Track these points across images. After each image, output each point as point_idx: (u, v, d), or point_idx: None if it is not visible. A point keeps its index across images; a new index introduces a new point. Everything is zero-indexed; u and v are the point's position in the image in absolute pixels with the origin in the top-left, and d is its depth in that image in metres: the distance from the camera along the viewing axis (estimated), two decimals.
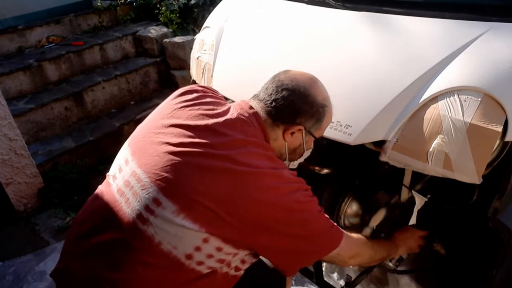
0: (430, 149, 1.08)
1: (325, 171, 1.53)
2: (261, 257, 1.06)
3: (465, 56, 1.16)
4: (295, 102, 1.02)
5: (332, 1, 1.53)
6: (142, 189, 0.92)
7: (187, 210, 0.88)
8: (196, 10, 3.91)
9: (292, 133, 1.04)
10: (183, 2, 3.89)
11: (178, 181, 0.90)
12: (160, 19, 3.94)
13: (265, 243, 0.95)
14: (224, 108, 1.04)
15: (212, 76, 1.71)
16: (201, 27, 1.97)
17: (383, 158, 1.18)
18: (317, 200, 1.00)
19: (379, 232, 1.44)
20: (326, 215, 1.03)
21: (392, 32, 1.36)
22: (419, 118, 1.13)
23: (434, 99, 1.12)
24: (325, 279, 1.53)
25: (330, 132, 1.22)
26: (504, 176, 1.16)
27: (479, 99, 1.05)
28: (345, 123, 1.23)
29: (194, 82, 1.88)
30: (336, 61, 1.38)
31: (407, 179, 1.32)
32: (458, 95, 1.09)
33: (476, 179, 1.05)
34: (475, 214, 1.32)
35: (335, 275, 1.69)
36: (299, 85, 1.03)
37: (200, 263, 0.91)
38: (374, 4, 1.46)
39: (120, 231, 0.91)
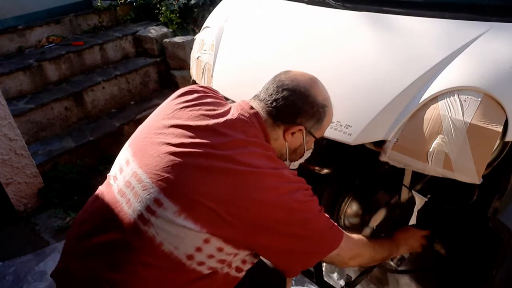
0: (430, 149, 1.08)
1: (325, 171, 1.53)
2: (261, 257, 1.06)
3: (465, 56, 1.16)
4: (296, 102, 1.02)
5: (332, 1, 1.53)
6: (143, 190, 0.92)
7: (188, 211, 0.88)
8: (196, 10, 3.91)
9: (293, 133, 1.04)
10: (183, 2, 3.89)
11: (179, 182, 0.90)
12: (160, 19, 3.94)
13: (265, 243, 0.95)
14: (225, 108, 1.04)
15: (212, 76, 1.71)
16: (201, 27, 1.97)
17: (383, 158, 1.18)
18: (317, 200, 1.00)
19: (379, 232, 1.44)
20: (327, 215, 1.03)
21: (392, 32, 1.36)
22: (419, 118, 1.13)
23: (434, 99, 1.12)
24: (325, 279, 1.53)
25: (330, 132, 1.22)
26: (504, 176, 1.16)
27: (479, 99, 1.05)
28: (345, 123, 1.23)
29: (194, 82, 1.88)
30: (336, 61, 1.38)
31: (407, 179, 1.32)
32: (458, 95, 1.09)
33: (476, 179, 1.05)
34: (475, 214, 1.32)
35: (335, 275, 1.69)
36: (300, 85, 1.03)
37: (201, 263, 0.91)
38: (374, 4, 1.46)
39: (121, 232, 0.91)
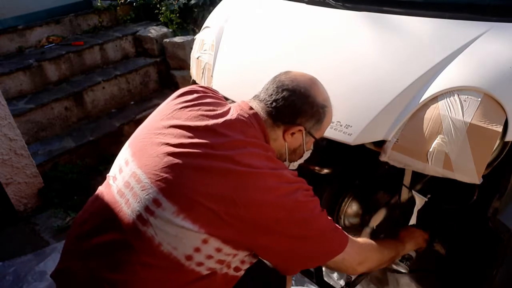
0: (430, 149, 1.08)
1: (325, 171, 1.53)
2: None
3: (465, 56, 1.16)
4: (296, 103, 1.02)
5: (332, 1, 1.53)
6: (142, 190, 0.92)
7: (187, 211, 0.88)
8: (196, 10, 3.91)
9: (292, 134, 1.04)
10: (183, 2, 3.89)
11: (178, 182, 0.90)
12: (160, 19, 3.94)
13: (265, 244, 0.95)
14: (224, 108, 1.04)
15: (212, 76, 1.72)
16: (201, 27, 1.97)
17: (383, 158, 1.18)
18: (318, 200, 0.99)
19: (379, 232, 1.44)
20: (330, 218, 1.01)
21: (392, 32, 1.36)
22: (419, 118, 1.13)
23: (434, 99, 1.12)
24: (325, 279, 1.53)
25: (330, 132, 1.21)
26: (504, 176, 1.16)
27: (479, 99, 1.05)
28: (345, 123, 1.23)
29: (194, 82, 1.88)
30: (336, 61, 1.38)
31: (407, 179, 1.32)
32: (458, 95, 1.09)
33: (476, 179, 1.05)
34: (475, 214, 1.32)
35: (335, 275, 1.69)
36: (300, 86, 1.03)
37: (200, 264, 0.91)
38: (374, 4, 1.46)
39: (120, 232, 0.91)
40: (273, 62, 1.51)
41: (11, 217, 2.38)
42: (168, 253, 0.89)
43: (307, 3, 1.63)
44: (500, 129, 1.01)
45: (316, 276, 1.49)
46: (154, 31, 3.72)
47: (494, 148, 1.05)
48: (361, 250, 1.08)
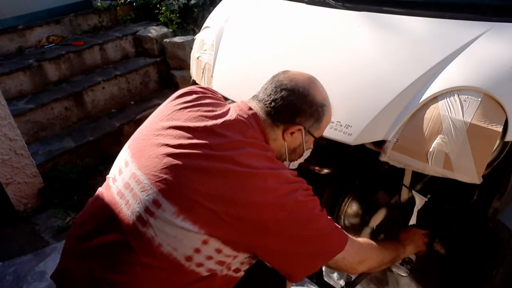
0: (430, 149, 1.08)
1: (325, 171, 1.53)
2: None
3: (465, 56, 1.16)
4: (294, 102, 1.02)
5: (332, 1, 1.53)
6: (142, 191, 0.92)
7: (187, 212, 0.88)
8: (196, 10, 3.91)
9: (292, 133, 1.04)
10: (183, 2, 3.89)
11: (177, 183, 0.90)
12: (160, 19, 3.94)
13: (265, 245, 0.94)
14: (224, 109, 1.04)
15: (212, 76, 1.71)
16: (201, 27, 1.97)
17: (383, 158, 1.18)
18: (318, 200, 0.99)
19: (379, 232, 1.44)
20: (329, 217, 1.01)
21: (392, 32, 1.36)
22: (419, 118, 1.13)
23: (434, 99, 1.12)
24: (325, 279, 1.53)
25: (330, 132, 1.22)
26: (504, 176, 1.16)
27: (479, 99, 1.05)
28: (345, 123, 1.22)
29: (194, 82, 1.88)
30: (336, 61, 1.38)
31: (407, 179, 1.32)
32: (458, 95, 1.08)
33: (476, 179, 1.04)
34: (475, 214, 1.32)
35: (335, 275, 1.69)
36: (298, 85, 1.03)
37: (200, 264, 0.91)
38: (374, 4, 1.46)
39: (120, 233, 0.91)
40: (273, 62, 1.50)
41: (11, 217, 2.38)
42: (168, 254, 0.89)
43: (307, 3, 1.63)
44: (500, 129, 1.01)
45: (316, 276, 1.49)
46: (154, 31, 3.72)
47: (494, 148, 1.05)
48: (361, 249, 1.07)
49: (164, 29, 3.77)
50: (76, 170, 2.72)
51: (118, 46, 3.64)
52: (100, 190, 1.06)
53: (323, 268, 1.55)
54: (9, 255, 2.12)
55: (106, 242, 0.93)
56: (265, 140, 1.02)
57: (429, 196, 1.26)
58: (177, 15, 3.90)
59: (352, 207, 1.57)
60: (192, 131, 0.96)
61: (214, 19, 1.91)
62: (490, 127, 1.02)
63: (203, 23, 1.96)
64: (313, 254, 0.99)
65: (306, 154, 1.15)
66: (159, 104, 1.13)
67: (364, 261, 1.08)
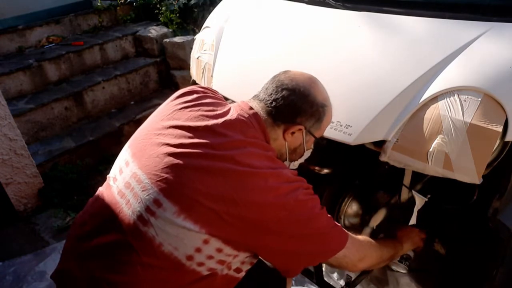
0: (430, 149, 1.08)
1: (325, 171, 1.53)
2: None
3: (465, 56, 1.16)
4: (295, 102, 1.02)
5: (332, 1, 1.53)
6: (142, 191, 0.92)
7: (188, 211, 0.88)
8: (196, 10, 3.91)
9: (293, 133, 1.04)
10: (183, 2, 3.89)
11: (178, 182, 0.90)
12: (160, 19, 3.94)
13: (265, 244, 0.95)
14: (224, 109, 1.04)
15: (212, 76, 1.71)
16: (201, 27, 1.97)
17: (383, 158, 1.18)
18: (318, 199, 0.99)
19: (379, 232, 1.44)
20: (329, 215, 1.02)
21: (392, 32, 1.36)
22: (419, 118, 1.13)
23: (434, 99, 1.12)
24: (325, 279, 1.53)
25: (330, 132, 1.22)
26: (504, 176, 1.15)
27: (479, 99, 1.05)
28: (345, 123, 1.22)
29: (194, 82, 1.88)
30: (336, 61, 1.38)
31: (407, 179, 1.32)
32: (458, 95, 1.08)
33: (476, 179, 1.04)
34: (475, 214, 1.32)
35: (335, 275, 1.69)
36: (299, 85, 1.03)
37: (201, 264, 0.91)
38: (374, 4, 1.46)
39: (121, 233, 0.91)
40: (273, 62, 1.50)
41: (11, 217, 2.38)
42: (169, 254, 0.89)
43: (307, 3, 1.63)
44: (500, 129, 1.01)
45: (316, 276, 1.49)
46: (154, 31, 3.72)
47: (494, 148, 1.05)
48: (361, 247, 1.09)
49: (164, 29, 3.78)
50: (76, 170, 2.72)
51: (118, 46, 3.64)
52: (101, 189, 1.06)
53: (323, 268, 1.55)
54: (9, 255, 2.12)
55: (106, 242, 0.93)
56: (265, 140, 1.02)
57: (429, 196, 1.26)
58: (177, 15, 3.90)
59: (352, 207, 1.57)
60: (193, 130, 0.96)
61: (214, 19, 1.91)
62: (490, 127, 1.02)
63: (203, 23, 1.96)
64: (313, 252, 1.00)
65: (307, 154, 1.15)
66: (159, 104, 1.13)
67: (364, 258, 1.09)
